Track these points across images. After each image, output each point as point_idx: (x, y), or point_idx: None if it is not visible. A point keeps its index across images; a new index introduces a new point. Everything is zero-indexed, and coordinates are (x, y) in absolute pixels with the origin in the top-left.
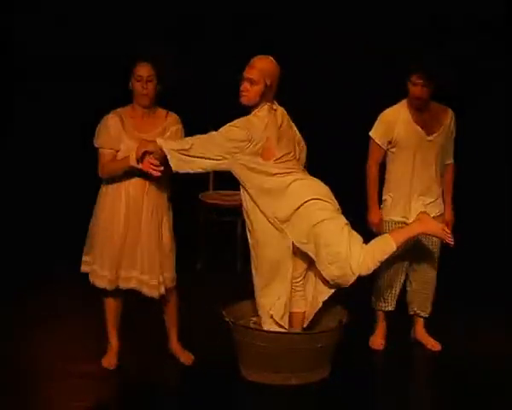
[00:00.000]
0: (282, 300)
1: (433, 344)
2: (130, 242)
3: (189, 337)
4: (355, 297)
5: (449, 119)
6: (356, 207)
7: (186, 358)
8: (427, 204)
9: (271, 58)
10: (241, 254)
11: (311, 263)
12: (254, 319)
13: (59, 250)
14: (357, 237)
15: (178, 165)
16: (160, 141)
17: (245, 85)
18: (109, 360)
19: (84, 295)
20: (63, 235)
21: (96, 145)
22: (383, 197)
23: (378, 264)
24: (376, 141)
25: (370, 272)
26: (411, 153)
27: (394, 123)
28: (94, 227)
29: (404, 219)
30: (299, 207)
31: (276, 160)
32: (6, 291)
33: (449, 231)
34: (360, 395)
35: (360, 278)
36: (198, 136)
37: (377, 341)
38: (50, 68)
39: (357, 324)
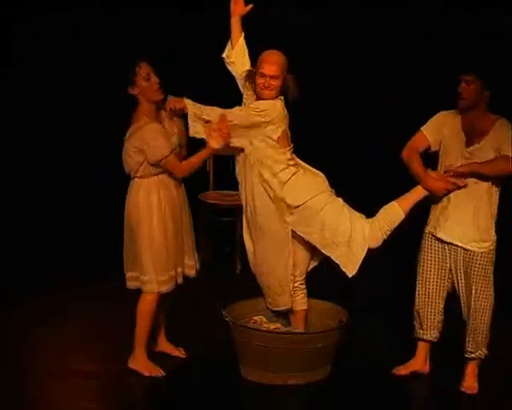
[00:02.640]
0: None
1: (466, 386)
2: (182, 235)
3: (188, 337)
4: (355, 297)
5: (492, 130)
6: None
7: (179, 352)
8: (457, 229)
9: (280, 52)
10: (241, 254)
11: (312, 258)
12: (255, 318)
13: (59, 250)
14: (358, 214)
15: (196, 132)
16: (187, 102)
17: (268, 81)
18: (156, 369)
19: (85, 296)
20: (63, 235)
21: (160, 157)
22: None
23: (388, 233)
24: (424, 132)
25: (380, 243)
26: (449, 162)
27: (445, 123)
28: (158, 237)
29: (441, 237)
30: (300, 206)
31: (288, 149)
32: (6, 291)
33: (453, 180)
34: (360, 395)
35: (361, 278)
36: (222, 110)
37: (399, 369)
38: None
39: (357, 324)
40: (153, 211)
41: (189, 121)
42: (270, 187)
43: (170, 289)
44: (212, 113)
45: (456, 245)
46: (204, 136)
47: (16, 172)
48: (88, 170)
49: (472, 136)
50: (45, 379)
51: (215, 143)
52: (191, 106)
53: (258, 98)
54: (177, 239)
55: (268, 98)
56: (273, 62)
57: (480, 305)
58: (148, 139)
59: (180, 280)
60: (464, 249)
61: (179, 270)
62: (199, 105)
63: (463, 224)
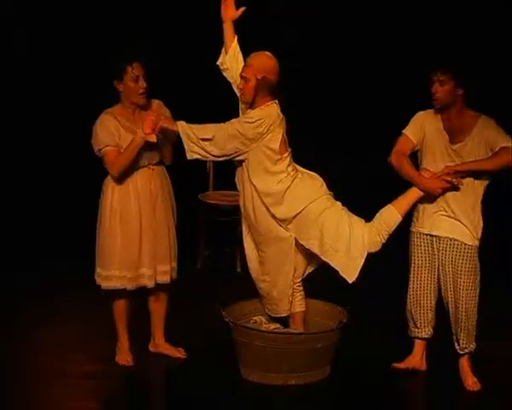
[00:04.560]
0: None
1: (472, 384)
2: (148, 236)
3: (188, 337)
4: (355, 298)
5: (476, 127)
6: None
7: (179, 353)
8: (445, 222)
9: (267, 53)
10: (241, 254)
11: (310, 260)
12: (254, 318)
13: (59, 250)
14: (357, 218)
15: (193, 154)
16: (180, 124)
17: (241, 83)
18: (125, 358)
19: (85, 296)
20: (63, 235)
21: (98, 147)
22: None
23: (386, 237)
24: (407, 134)
25: (379, 247)
26: (433, 160)
27: (425, 122)
28: (106, 234)
29: (429, 232)
30: (299, 213)
31: (287, 155)
32: (6, 291)
33: (449, 178)
34: (359, 395)
35: (360, 278)
36: (218, 125)
37: (398, 364)
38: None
39: (356, 324)
40: (105, 206)
41: (185, 144)
42: (266, 207)
43: (113, 288)
44: (212, 129)
45: (454, 239)
46: (200, 157)
47: (17, 171)
48: (89, 171)
49: (454, 133)
50: (45, 379)
51: (145, 129)
52: (184, 128)
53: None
54: (127, 242)
55: (245, 100)
56: (247, 64)
57: (471, 299)
58: (93, 127)
59: (129, 286)
60: (459, 244)
61: (127, 275)
62: (191, 126)
63: (461, 218)
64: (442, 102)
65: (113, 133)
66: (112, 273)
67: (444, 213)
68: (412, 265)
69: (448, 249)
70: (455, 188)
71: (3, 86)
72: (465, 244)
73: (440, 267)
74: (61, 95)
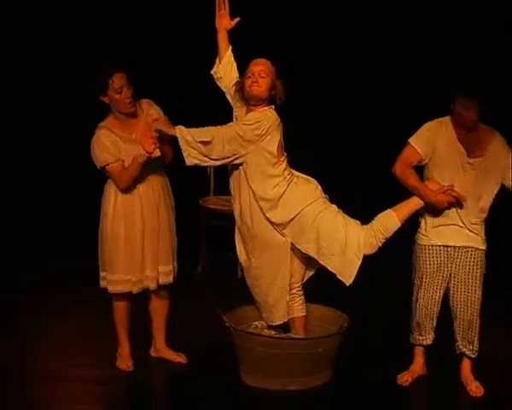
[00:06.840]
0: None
1: (475, 389)
2: (150, 238)
3: (189, 342)
4: (355, 302)
5: (492, 145)
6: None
7: (180, 358)
8: (460, 231)
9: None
10: None
11: (309, 264)
12: (255, 323)
13: (60, 251)
14: (353, 220)
15: (191, 160)
16: (179, 129)
17: (256, 78)
18: (126, 363)
19: (85, 296)
20: (65, 235)
21: (100, 166)
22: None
23: (383, 241)
24: (414, 145)
25: (375, 250)
26: (446, 172)
27: (437, 134)
28: (110, 238)
29: (444, 243)
30: (295, 217)
31: (283, 159)
32: (6, 292)
33: (455, 194)
34: (361, 400)
35: (360, 282)
36: (216, 128)
37: (404, 377)
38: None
39: (357, 329)
40: (108, 210)
41: (183, 150)
42: (262, 210)
43: (120, 291)
44: (211, 132)
45: (469, 247)
46: (199, 162)
47: (18, 171)
48: (89, 170)
49: (471, 146)
50: (45, 382)
51: (147, 148)
52: (182, 133)
53: (248, 103)
54: (131, 246)
55: (257, 94)
56: (259, 63)
57: (478, 303)
58: (91, 145)
59: (135, 289)
60: (473, 250)
61: (132, 278)
62: (189, 130)
63: (473, 227)
64: (477, 123)
65: (111, 149)
66: (117, 277)
67: (456, 224)
68: (423, 278)
69: (463, 257)
70: (460, 203)
71: (5, 90)
72: (478, 249)
73: (452, 276)
74: (61, 94)
